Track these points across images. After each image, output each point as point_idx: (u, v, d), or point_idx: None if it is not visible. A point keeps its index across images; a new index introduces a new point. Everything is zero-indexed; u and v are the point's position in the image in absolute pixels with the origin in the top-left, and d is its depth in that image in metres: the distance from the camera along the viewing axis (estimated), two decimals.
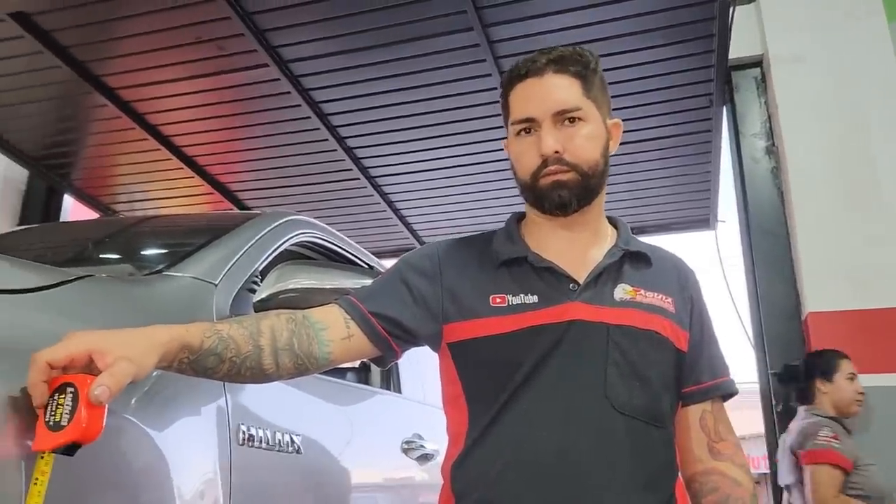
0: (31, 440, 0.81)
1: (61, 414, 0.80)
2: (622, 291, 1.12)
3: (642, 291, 1.13)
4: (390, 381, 2.26)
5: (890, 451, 2.55)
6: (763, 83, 3.35)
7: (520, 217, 1.24)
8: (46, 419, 0.80)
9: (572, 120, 1.10)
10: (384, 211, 4.86)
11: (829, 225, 2.86)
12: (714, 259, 4.69)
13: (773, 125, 3.21)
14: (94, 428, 0.80)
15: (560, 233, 1.16)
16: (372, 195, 4.62)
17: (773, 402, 2.83)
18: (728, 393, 1.19)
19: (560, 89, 1.11)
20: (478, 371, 1.12)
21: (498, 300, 1.12)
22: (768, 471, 2.97)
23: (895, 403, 2.60)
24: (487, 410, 1.09)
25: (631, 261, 1.16)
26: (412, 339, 1.15)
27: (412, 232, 5.17)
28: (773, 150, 3.21)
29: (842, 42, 3.19)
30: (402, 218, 5.00)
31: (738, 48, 3.32)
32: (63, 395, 0.81)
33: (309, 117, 3.80)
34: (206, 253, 1.49)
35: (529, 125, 1.12)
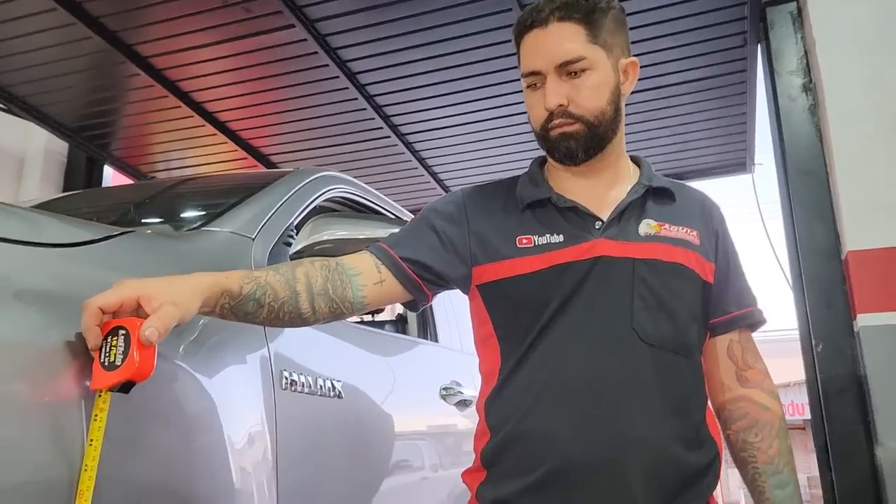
0: (88, 380, 0.87)
1: (115, 355, 0.85)
2: (646, 226, 1.14)
3: (667, 226, 1.14)
4: (427, 330, 2.31)
5: None
6: (799, 18, 3.24)
7: (542, 161, 1.25)
8: (101, 360, 0.85)
9: (577, 70, 1.10)
10: (415, 167, 4.87)
11: (868, 162, 2.79)
12: (752, 203, 4.63)
13: (810, 61, 3.12)
14: (146, 366, 0.85)
15: (579, 179, 1.17)
16: (403, 152, 4.64)
17: (814, 343, 2.82)
18: (755, 322, 1.20)
19: (563, 40, 1.11)
20: (507, 310, 1.15)
21: (524, 241, 1.14)
22: (810, 417, 2.96)
23: None
24: (518, 347, 1.12)
25: (654, 196, 1.17)
26: (442, 283, 1.18)
27: (442, 185, 5.19)
28: (810, 88, 3.13)
29: None
30: (432, 172, 5.01)
31: None
32: (115, 338, 0.86)
33: (337, 76, 3.80)
34: (242, 209, 1.54)
35: (536, 78, 1.13)
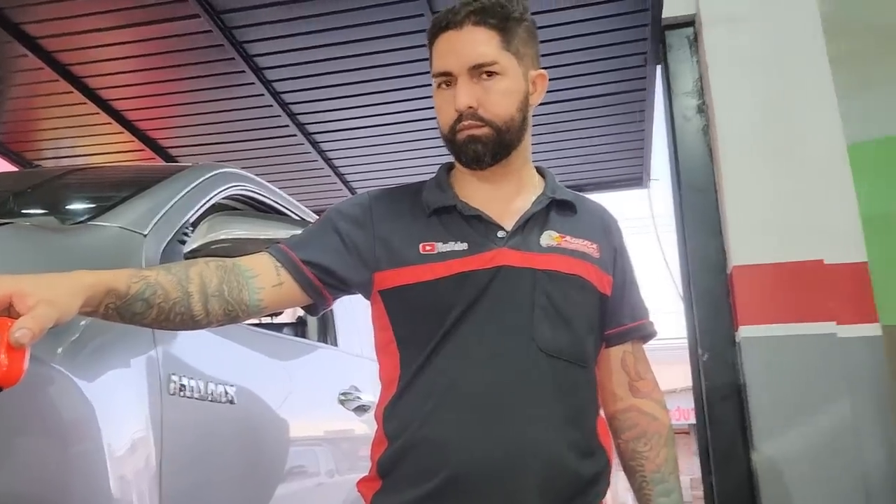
0: None
1: None
2: (548, 238, 1.16)
3: (568, 238, 1.16)
4: (326, 334, 2.27)
5: (820, 398, 2.68)
6: (695, 43, 3.40)
7: (450, 167, 1.25)
8: None
9: (489, 74, 1.11)
10: (322, 168, 4.80)
11: (755, 181, 2.96)
12: (648, 217, 4.82)
13: (704, 84, 3.28)
14: (14, 371, 0.79)
15: (484, 184, 1.18)
16: (309, 151, 4.56)
17: (700, 352, 2.96)
18: (647, 334, 1.24)
19: (477, 43, 1.11)
20: (409, 317, 1.14)
21: (428, 247, 1.14)
22: (695, 422, 3.10)
23: (812, 350, 2.74)
24: (419, 355, 1.11)
25: (557, 208, 1.20)
26: (343, 287, 1.16)
27: (349, 187, 5.14)
28: (703, 109, 3.30)
29: (771, 4, 3.27)
30: (339, 173, 4.96)
31: (672, 7, 3.37)
32: None
33: (243, 71, 3.70)
34: (134, 203, 1.46)
35: (448, 78, 1.13)
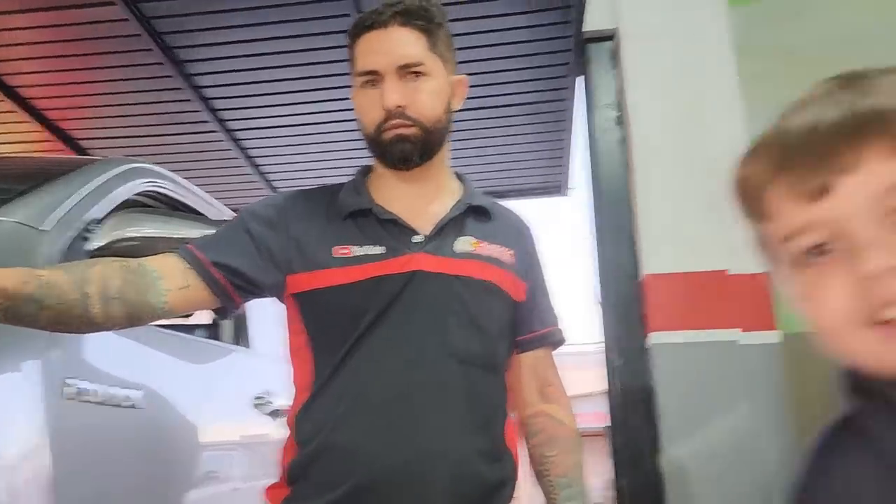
0: None
1: None
2: (464, 243, 1.16)
3: (483, 244, 1.18)
4: (240, 336, 2.22)
5: (723, 402, 2.79)
6: (615, 57, 3.50)
7: (367, 170, 1.25)
8: None
9: (416, 74, 1.12)
10: (243, 166, 4.70)
11: (666, 193, 3.06)
12: (565, 224, 4.92)
13: (622, 98, 3.38)
14: None
15: (404, 186, 1.18)
16: (230, 149, 4.46)
17: (613, 357, 3.04)
18: (557, 340, 1.27)
19: (404, 43, 1.12)
20: (322, 321, 1.13)
21: (343, 251, 1.13)
22: (608, 424, 3.18)
23: (716, 357, 2.85)
24: (331, 359, 1.10)
25: (474, 215, 1.21)
26: (254, 290, 1.14)
27: (271, 186, 5.05)
28: (621, 122, 3.39)
29: (687, 23, 3.39)
30: (261, 172, 4.87)
31: (594, 22, 3.45)
32: None
33: (162, 63, 3.59)
34: (34, 196, 1.39)
35: (373, 78, 1.12)
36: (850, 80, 0.57)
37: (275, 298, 1.19)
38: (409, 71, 1.11)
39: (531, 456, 1.23)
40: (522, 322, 1.22)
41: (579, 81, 3.89)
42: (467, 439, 1.08)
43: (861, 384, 0.60)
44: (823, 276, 0.55)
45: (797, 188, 0.55)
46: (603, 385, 3.62)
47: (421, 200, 1.18)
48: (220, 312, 1.17)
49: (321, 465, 1.07)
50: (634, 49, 3.44)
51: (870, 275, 0.52)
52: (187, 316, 2.59)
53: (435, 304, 1.11)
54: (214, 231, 1.19)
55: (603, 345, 3.32)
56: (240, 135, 4.38)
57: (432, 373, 1.08)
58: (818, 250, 0.55)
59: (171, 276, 1.06)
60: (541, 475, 1.22)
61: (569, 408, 1.25)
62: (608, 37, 3.60)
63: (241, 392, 1.99)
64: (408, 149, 1.12)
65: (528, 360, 1.24)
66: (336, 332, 1.11)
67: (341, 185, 1.23)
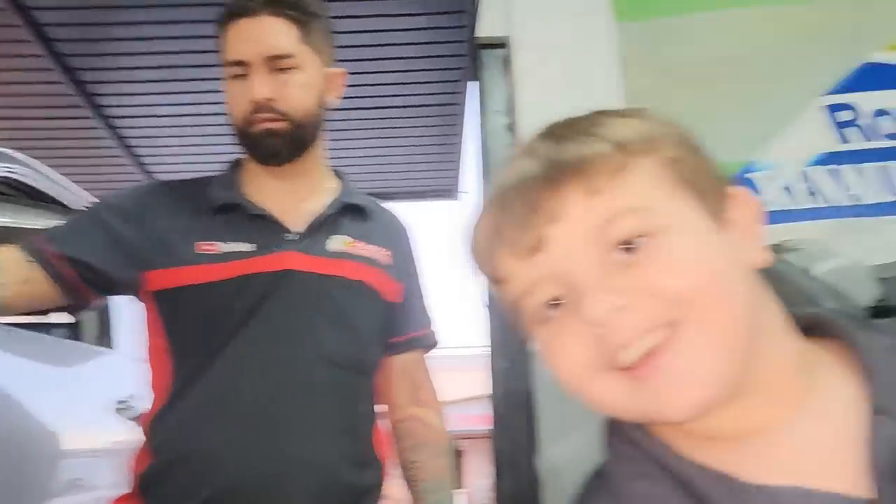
0: None
1: None
2: (338, 243, 1.13)
3: (358, 244, 1.15)
4: (104, 336, 2.08)
5: None
6: (507, 64, 3.55)
7: (239, 164, 1.19)
8: None
9: (287, 67, 1.07)
10: (119, 155, 4.44)
11: None
12: (456, 228, 4.96)
13: (513, 105, 3.43)
14: None
15: (276, 182, 1.13)
16: (104, 136, 4.19)
17: (498, 360, 3.07)
18: (431, 343, 1.26)
19: (274, 33, 1.07)
20: (184, 321, 1.07)
21: (208, 247, 1.07)
22: (492, 426, 3.21)
23: None
24: (192, 362, 1.04)
25: (350, 213, 1.18)
26: (107, 286, 1.06)
27: (149, 177, 4.80)
28: (511, 128, 3.44)
29: (576, 35, 3.48)
30: (140, 162, 4.61)
31: (487, 28, 3.48)
32: None
33: (29, 41, 3.32)
34: None
35: (242, 69, 1.07)
36: (549, 132, 0.58)
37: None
38: (279, 63, 1.06)
39: (400, 461, 1.21)
40: (396, 324, 1.20)
41: (472, 86, 3.93)
42: (334, 445, 1.05)
43: (617, 430, 0.60)
44: (560, 329, 0.54)
45: (516, 246, 0.55)
46: (489, 388, 3.66)
47: (294, 197, 1.14)
48: (70, 310, 1.07)
49: (175, 476, 1.00)
50: (525, 58, 3.50)
51: (595, 321, 0.51)
52: (45, 313, 2.41)
53: (306, 305, 1.07)
54: (65, 222, 1.10)
55: (488, 348, 3.37)
56: (117, 122, 4.13)
57: (301, 376, 1.04)
58: (551, 304, 0.55)
59: (10, 270, 0.97)
60: (409, 480, 1.20)
61: (440, 412, 1.24)
62: (501, 44, 3.66)
63: (102, 396, 1.87)
64: (277, 144, 1.08)
65: (400, 363, 1.22)
66: (198, 334, 1.04)
67: (210, 178, 1.17)
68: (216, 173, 1.18)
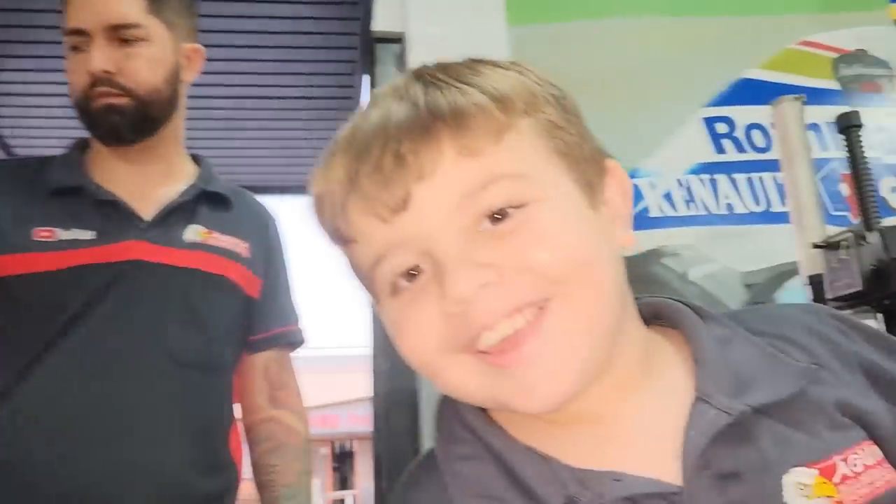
0: None
1: None
2: (193, 233, 1.05)
3: (216, 234, 1.07)
4: None
5: None
6: (401, 60, 3.50)
7: (85, 144, 1.08)
8: None
9: (130, 39, 0.98)
10: None
11: None
12: None
13: None
14: None
15: (125, 166, 1.04)
16: None
17: (380, 361, 3.01)
18: (295, 341, 1.19)
19: (118, 2, 0.98)
20: (13, 314, 0.95)
21: (44, 233, 0.96)
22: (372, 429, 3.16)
23: None
24: (20, 360, 0.94)
25: (209, 202, 1.09)
26: None
27: (9, 153, 4.43)
28: None
29: (469, 36, 3.48)
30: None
31: (382, 23, 3.43)
32: None
33: None
34: None
35: (81, 39, 0.97)
36: (421, 74, 0.52)
37: None
38: (122, 33, 0.97)
39: (255, 465, 1.14)
40: (256, 320, 1.13)
41: (366, 79, 3.86)
42: (180, 450, 0.97)
43: (450, 409, 0.55)
44: (413, 302, 0.49)
45: (375, 202, 0.48)
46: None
47: (145, 182, 1.05)
48: None
49: (1, 483, 0.89)
50: (420, 54, 3.48)
51: (459, 298, 0.46)
52: None
53: (152, 299, 0.98)
54: None
55: (371, 348, 3.31)
56: None
57: (142, 378, 0.96)
58: (409, 274, 0.49)
59: None
60: (263, 486, 1.13)
61: (302, 414, 1.18)
62: (396, 39, 3.61)
63: None
64: (117, 121, 0.99)
65: (259, 362, 1.15)
66: (28, 329, 0.94)
67: (51, 158, 1.05)
68: (59, 153, 1.07)
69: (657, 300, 0.60)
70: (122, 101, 0.99)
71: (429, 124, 0.48)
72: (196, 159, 1.14)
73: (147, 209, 1.02)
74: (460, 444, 0.54)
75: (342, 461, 18.29)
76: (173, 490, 0.96)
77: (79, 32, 0.99)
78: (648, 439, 0.52)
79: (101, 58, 0.97)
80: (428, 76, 0.52)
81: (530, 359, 0.47)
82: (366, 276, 0.52)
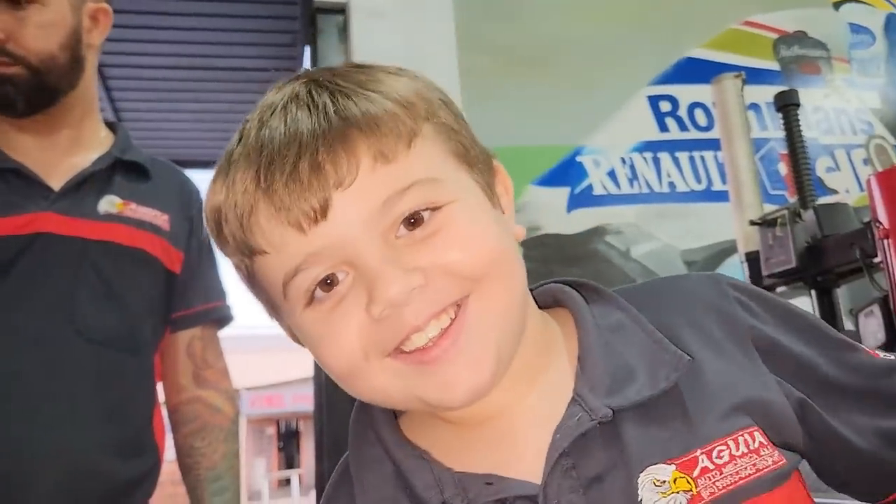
0: None
1: None
2: (108, 204, 0.98)
3: (133, 205, 1.00)
4: None
5: None
6: (344, 32, 3.43)
7: None
8: None
9: (23, 2, 0.90)
10: None
11: None
12: None
13: None
14: None
15: (28, 136, 0.96)
16: None
17: None
18: (222, 318, 1.14)
19: None
20: None
21: None
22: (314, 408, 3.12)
23: None
24: None
25: (125, 171, 1.03)
26: None
27: None
28: None
29: (415, 8, 3.43)
30: None
31: None
32: None
33: None
34: None
35: None
36: (320, 81, 0.52)
37: None
38: None
39: (178, 447, 1.09)
40: (177, 296, 1.07)
41: (308, 51, 3.76)
42: (92, 432, 0.92)
43: (363, 413, 0.57)
44: (335, 311, 0.49)
45: (287, 213, 0.47)
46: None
47: (54, 151, 0.98)
48: None
49: None
50: (363, 26, 3.39)
51: (391, 301, 0.47)
52: None
53: (62, 274, 0.92)
54: None
55: None
56: None
57: (48, 356, 0.90)
58: (325, 283, 0.49)
59: None
60: (187, 469, 1.08)
61: (228, 393, 1.12)
62: (339, 10, 3.52)
63: None
64: (10, 92, 0.92)
65: (183, 340, 1.09)
66: None
67: None
68: None
69: (553, 286, 0.61)
70: (13, 69, 0.91)
71: (344, 131, 0.48)
72: (112, 127, 1.07)
73: (56, 179, 0.95)
74: (368, 448, 0.56)
75: (288, 440, 18.19)
76: (85, 473, 0.90)
77: None
78: (529, 441, 0.53)
79: None
80: (329, 83, 0.51)
81: (452, 354, 0.49)
82: (274, 287, 0.51)
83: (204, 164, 4.26)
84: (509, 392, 0.53)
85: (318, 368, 3.05)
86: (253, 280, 0.53)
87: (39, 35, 0.92)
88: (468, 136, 0.55)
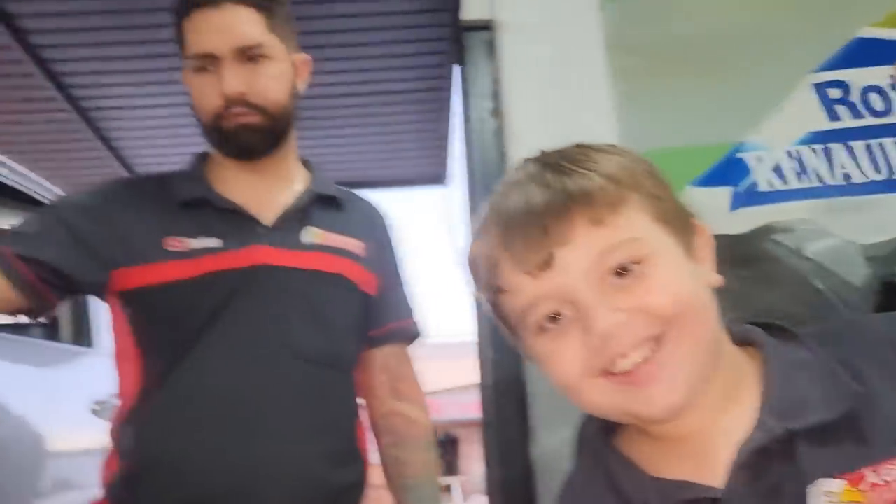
0: None
1: None
2: (310, 235, 1.09)
3: (331, 235, 1.11)
4: (81, 334, 2.03)
5: None
6: (492, 48, 3.49)
7: (205, 157, 1.14)
8: None
9: (256, 57, 1.02)
10: (97, 147, 4.35)
11: None
12: (446, 215, 4.91)
13: (498, 89, 3.38)
14: None
15: (246, 175, 1.09)
16: (81, 129, 4.11)
17: (487, 350, 3.03)
18: (412, 334, 1.22)
19: (242, 23, 1.02)
20: (151, 321, 1.02)
21: (175, 244, 1.02)
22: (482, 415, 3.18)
23: None
24: (161, 364, 1.00)
25: (321, 204, 1.13)
26: (71, 287, 1.01)
27: (130, 170, 4.72)
28: (497, 113, 3.38)
29: (561, 17, 3.43)
30: (119, 155, 4.53)
31: (470, 11, 3.42)
32: None
33: None
34: None
35: (209, 62, 1.02)
36: (547, 163, 0.66)
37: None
38: (249, 54, 1.01)
39: (382, 457, 1.18)
40: (374, 316, 1.16)
41: (457, 70, 3.87)
42: (310, 444, 1.02)
43: (584, 437, 0.72)
44: (559, 339, 0.63)
45: (523, 264, 0.62)
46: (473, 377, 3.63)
47: (264, 189, 1.10)
48: (30, 314, 1.02)
49: (145, 481, 0.96)
50: (511, 40, 3.44)
51: (601, 333, 0.60)
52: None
53: (278, 301, 1.03)
54: (23, 221, 1.04)
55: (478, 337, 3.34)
56: (94, 114, 4.05)
57: (271, 375, 1.00)
58: (552, 317, 0.63)
59: None
60: (391, 478, 1.17)
61: (423, 405, 1.21)
62: (485, 26, 3.60)
63: (77, 397, 1.82)
64: (255, 139, 1.04)
65: (380, 357, 1.18)
66: (167, 334, 1.00)
67: (174, 172, 1.12)
68: (181, 168, 1.14)
69: (748, 327, 0.72)
70: (255, 119, 1.04)
71: (565, 203, 0.62)
72: (307, 164, 1.18)
73: (267, 215, 1.07)
74: (588, 470, 0.71)
75: (447, 447, 18.58)
76: (309, 483, 1.00)
77: (207, 56, 1.03)
78: (718, 456, 0.64)
79: (234, 80, 1.02)
80: (555, 164, 0.66)
81: (652, 378, 0.61)
82: (514, 319, 0.66)
83: (368, 184, 4.49)
84: (706, 415, 0.65)
85: (483, 377, 3.13)
86: (498, 311, 0.68)
87: (272, 86, 1.04)
88: (669, 199, 0.67)
